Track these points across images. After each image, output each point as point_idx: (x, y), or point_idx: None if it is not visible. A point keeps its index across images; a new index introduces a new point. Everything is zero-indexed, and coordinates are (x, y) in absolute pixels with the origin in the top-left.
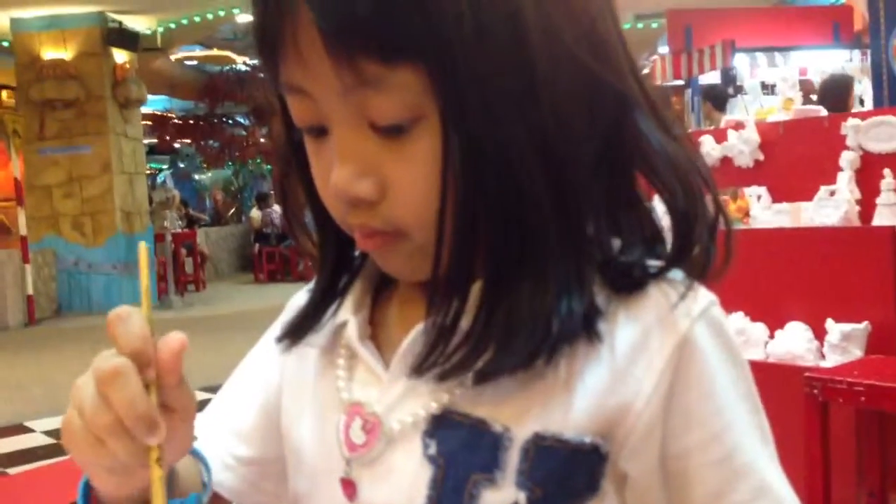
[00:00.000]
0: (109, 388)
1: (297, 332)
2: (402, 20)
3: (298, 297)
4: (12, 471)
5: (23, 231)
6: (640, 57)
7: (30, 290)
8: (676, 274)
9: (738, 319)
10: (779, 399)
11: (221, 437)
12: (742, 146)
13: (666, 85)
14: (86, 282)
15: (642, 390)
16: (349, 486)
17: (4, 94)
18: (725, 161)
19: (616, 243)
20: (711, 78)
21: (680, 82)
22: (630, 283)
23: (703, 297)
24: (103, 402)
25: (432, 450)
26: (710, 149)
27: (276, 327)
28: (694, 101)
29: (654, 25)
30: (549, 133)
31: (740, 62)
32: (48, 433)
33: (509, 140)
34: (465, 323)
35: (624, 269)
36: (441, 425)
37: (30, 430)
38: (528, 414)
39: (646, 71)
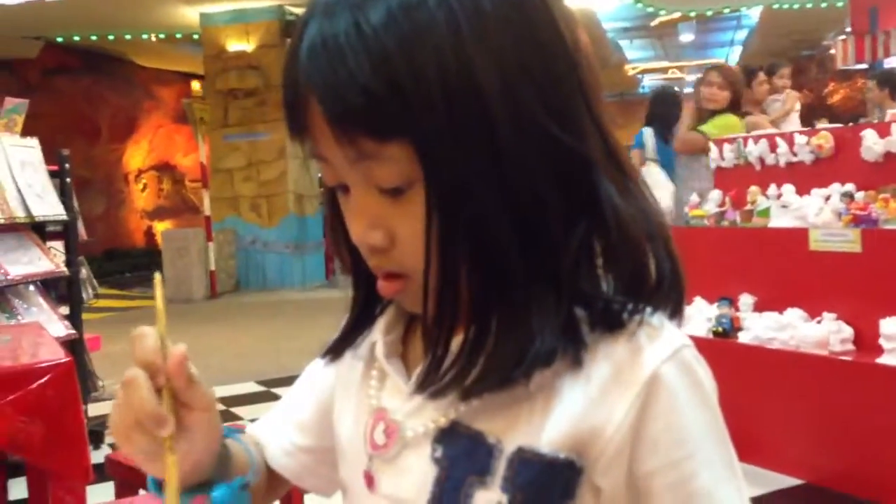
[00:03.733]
0: (127, 392)
1: (336, 350)
2: (387, 109)
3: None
4: None
5: (207, 211)
6: (826, 36)
7: (212, 266)
8: (654, 315)
9: (893, 325)
10: None
11: (284, 426)
12: None
13: (848, 69)
14: (261, 260)
15: (613, 418)
16: (370, 478)
17: (195, 83)
18: (888, 157)
19: (603, 282)
20: None
21: (863, 66)
22: (609, 321)
23: (676, 339)
24: (125, 403)
25: (438, 454)
26: (872, 143)
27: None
28: None
29: (839, 5)
30: (517, 195)
31: None
32: (220, 399)
33: (480, 202)
34: (454, 348)
35: (605, 308)
36: (447, 435)
37: None
38: (514, 429)
39: (831, 52)
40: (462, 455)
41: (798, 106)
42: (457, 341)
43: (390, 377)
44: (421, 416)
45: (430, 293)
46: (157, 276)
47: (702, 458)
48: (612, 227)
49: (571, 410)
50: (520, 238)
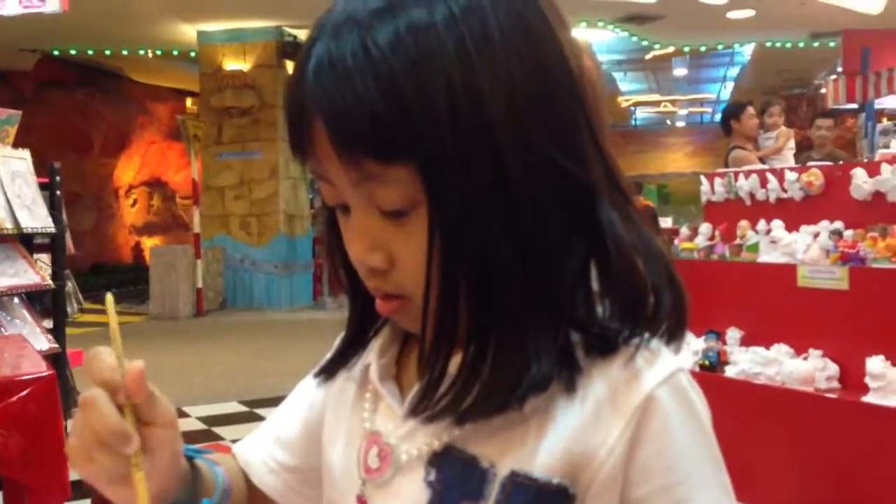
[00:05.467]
0: (87, 412)
1: (329, 370)
2: (392, 131)
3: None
4: None
5: (196, 229)
6: (817, 76)
7: (200, 284)
8: (651, 340)
9: (879, 364)
10: None
11: (270, 445)
12: None
13: (840, 108)
14: (249, 279)
15: (606, 442)
16: (363, 502)
17: (189, 101)
18: (877, 196)
19: (599, 308)
20: (888, 102)
21: (854, 106)
22: (604, 345)
23: (671, 363)
24: (86, 424)
25: (432, 477)
26: (861, 182)
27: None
28: (868, 126)
29: (832, 44)
30: (519, 220)
31: None
32: (202, 419)
33: (483, 226)
34: (451, 371)
35: (601, 333)
36: (441, 458)
37: (186, 416)
38: (508, 453)
39: (822, 91)
40: (456, 479)
41: (792, 144)
42: (454, 364)
43: (384, 400)
44: (415, 440)
45: (430, 316)
46: (109, 296)
47: (695, 482)
48: (612, 253)
49: (564, 434)
50: (520, 263)
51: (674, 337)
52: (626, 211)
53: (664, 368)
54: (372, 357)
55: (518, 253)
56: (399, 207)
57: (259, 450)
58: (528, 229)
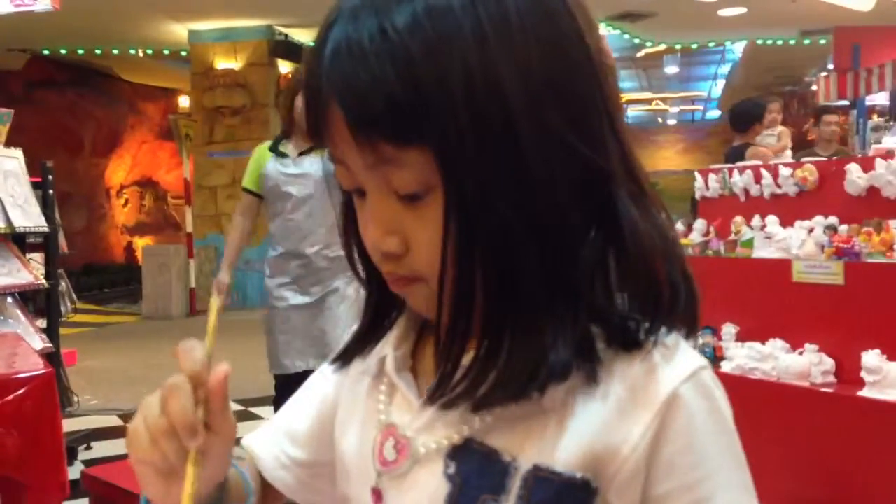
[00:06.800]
0: (169, 398)
1: (344, 357)
2: (409, 114)
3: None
4: None
5: (189, 228)
6: (809, 73)
7: (192, 284)
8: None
9: (874, 358)
10: None
11: (281, 439)
12: (891, 176)
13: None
14: (242, 279)
15: (630, 439)
16: (378, 494)
17: (180, 100)
18: (871, 191)
19: (619, 300)
20: (879, 99)
21: (845, 102)
22: (625, 339)
23: (694, 360)
24: (163, 409)
25: (452, 470)
26: (855, 177)
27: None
28: (859, 123)
29: (822, 42)
30: (536, 206)
31: None
32: None
33: (499, 211)
34: (466, 361)
35: (621, 326)
36: (461, 451)
37: None
38: (529, 447)
39: (813, 88)
40: (476, 472)
41: (790, 143)
42: (470, 354)
43: (399, 392)
44: (433, 433)
45: (445, 301)
46: (214, 299)
47: (719, 481)
48: (628, 241)
49: (587, 429)
50: (537, 249)
51: (691, 332)
52: (644, 201)
53: (688, 365)
54: (388, 349)
55: (534, 239)
56: (415, 191)
57: (270, 444)
58: (544, 215)
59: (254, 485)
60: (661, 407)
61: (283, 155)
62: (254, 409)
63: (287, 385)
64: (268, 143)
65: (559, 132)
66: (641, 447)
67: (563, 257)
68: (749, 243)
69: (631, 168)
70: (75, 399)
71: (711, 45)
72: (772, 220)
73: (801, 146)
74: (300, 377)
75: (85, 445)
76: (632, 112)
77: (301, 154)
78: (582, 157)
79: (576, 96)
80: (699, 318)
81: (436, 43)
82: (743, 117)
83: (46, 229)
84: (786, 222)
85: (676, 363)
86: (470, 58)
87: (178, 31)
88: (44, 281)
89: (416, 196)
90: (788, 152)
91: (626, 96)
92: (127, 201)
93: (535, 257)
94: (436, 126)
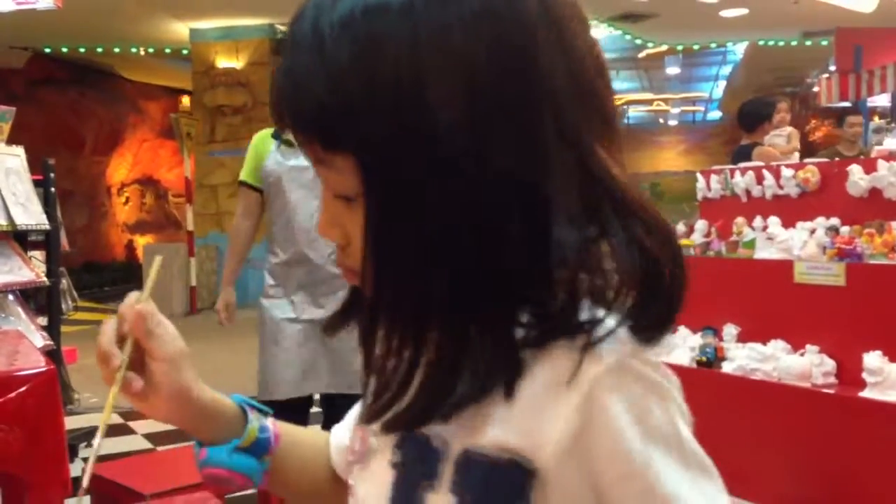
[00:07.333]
0: (100, 332)
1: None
2: (334, 119)
3: None
4: (161, 449)
5: (190, 227)
6: (810, 74)
7: (193, 282)
8: (612, 328)
9: (876, 359)
10: None
11: (347, 425)
12: (893, 178)
13: (831, 106)
14: (243, 277)
15: (549, 438)
16: (350, 485)
17: (181, 99)
18: (873, 192)
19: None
20: (881, 101)
21: (846, 104)
22: (555, 330)
23: (614, 352)
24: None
25: (396, 458)
26: (857, 178)
27: None
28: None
29: (824, 43)
30: (458, 224)
31: None
32: None
33: (415, 226)
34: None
35: (550, 317)
36: (405, 440)
37: None
38: (460, 433)
39: (814, 90)
40: (414, 459)
41: (798, 145)
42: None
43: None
44: None
45: (371, 307)
46: (158, 258)
47: (657, 466)
48: (554, 272)
49: (514, 415)
50: (456, 266)
51: (656, 332)
52: (604, 213)
53: (608, 357)
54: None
55: (451, 255)
56: (344, 193)
57: (341, 428)
58: (462, 240)
59: (273, 436)
60: (583, 400)
61: (288, 143)
62: None
63: (299, 408)
64: (269, 130)
65: (492, 157)
66: (563, 443)
67: (488, 271)
68: (751, 244)
69: (594, 180)
70: (76, 397)
71: (713, 45)
72: (773, 221)
73: (804, 147)
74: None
75: (86, 443)
76: (633, 113)
77: None
78: (514, 178)
79: (520, 119)
80: (666, 320)
81: (365, 48)
82: (751, 116)
83: (48, 227)
84: (787, 223)
85: (604, 353)
86: (400, 67)
87: (180, 29)
88: (45, 279)
89: (348, 197)
90: (796, 154)
91: (627, 97)
92: (128, 199)
93: (443, 276)
94: (359, 135)
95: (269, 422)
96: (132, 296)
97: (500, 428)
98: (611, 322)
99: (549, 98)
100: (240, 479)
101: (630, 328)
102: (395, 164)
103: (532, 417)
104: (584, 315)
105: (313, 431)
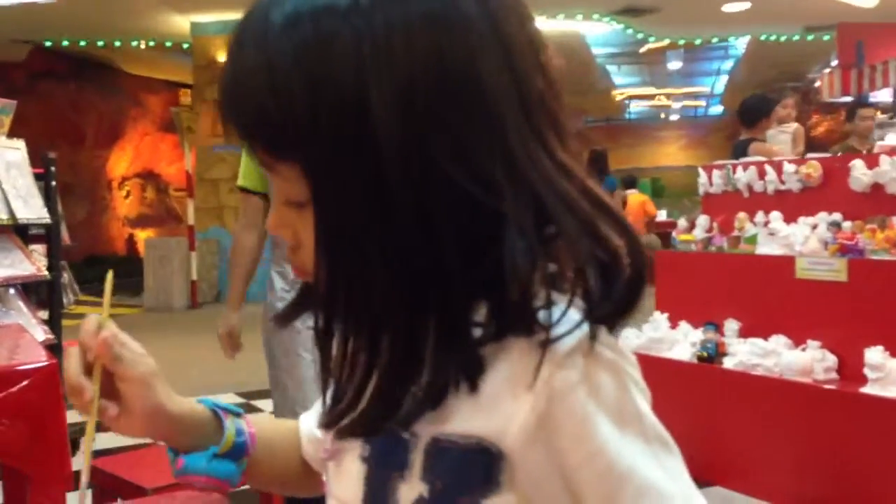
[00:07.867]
0: (64, 365)
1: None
2: (278, 130)
3: None
4: (162, 443)
5: (191, 221)
6: (812, 69)
7: (194, 276)
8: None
9: (877, 354)
10: None
11: (313, 416)
12: (895, 173)
13: (833, 101)
14: None
15: (512, 426)
16: (325, 483)
17: (182, 93)
18: (876, 188)
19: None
20: (883, 96)
21: (848, 99)
22: (512, 323)
23: (572, 337)
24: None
25: (366, 452)
26: (860, 174)
27: None
28: None
29: (826, 38)
30: (402, 237)
31: None
32: None
33: (361, 235)
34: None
35: (508, 309)
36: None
37: None
38: (428, 422)
39: (816, 84)
40: (383, 452)
41: (803, 147)
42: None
43: None
44: None
45: (324, 309)
46: (110, 273)
47: (616, 443)
48: (508, 283)
49: (476, 408)
50: (401, 277)
51: (613, 322)
52: (566, 219)
53: (566, 344)
54: None
55: (398, 268)
56: (292, 200)
57: (310, 419)
58: (411, 248)
59: (248, 438)
60: (543, 385)
61: None
62: (255, 402)
63: None
64: None
65: (437, 164)
66: (527, 429)
67: (436, 285)
68: (752, 240)
69: (543, 178)
70: None
71: (715, 40)
72: (775, 216)
73: (805, 143)
74: None
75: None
76: (634, 108)
77: None
78: (464, 192)
79: (466, 126)
80: (625, 308)
81: (311, 45)
82: (751, 112)
83: (48, 221)
84: (789, 219)
85: (560, 342)
86: (344, 70)
87: (181, 23)
88: (46, 272)
89: (298, 203)
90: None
91: (628, 92)
92: (129, 193)
93: (389, 281)
94: (303, 142)
95: (244, 423)
96: (91, 321)
97: (466, 417)
98: (570, 312)
99: (490, 98)
100: (219, 483)
101: (588, 314)
102: (342, 171)
103: (496, 406)
104: (540, 304)
105: (280, 420)
